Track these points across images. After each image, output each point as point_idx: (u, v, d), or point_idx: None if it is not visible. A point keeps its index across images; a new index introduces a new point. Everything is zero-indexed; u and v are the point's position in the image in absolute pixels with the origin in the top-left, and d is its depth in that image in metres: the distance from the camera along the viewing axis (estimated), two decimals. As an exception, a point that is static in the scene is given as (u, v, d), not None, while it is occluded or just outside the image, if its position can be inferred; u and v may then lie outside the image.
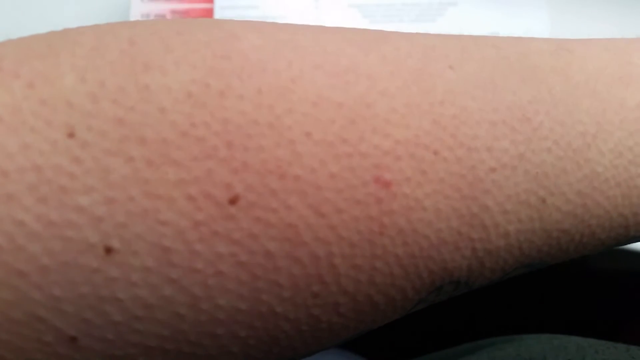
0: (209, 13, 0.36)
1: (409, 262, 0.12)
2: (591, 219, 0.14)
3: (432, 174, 0.12)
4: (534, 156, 0.13)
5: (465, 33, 0.16)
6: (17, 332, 0.10)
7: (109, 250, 0.10)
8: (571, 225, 0.14)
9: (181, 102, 0.11)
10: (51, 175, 0.10)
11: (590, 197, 0.14)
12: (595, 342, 0.18)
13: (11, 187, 0.10)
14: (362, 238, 0.12)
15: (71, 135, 0.10)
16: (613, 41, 0.16)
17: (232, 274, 0.11)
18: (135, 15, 0.35)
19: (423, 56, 0.14)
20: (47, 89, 0.11)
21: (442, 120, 0.13)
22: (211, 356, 0.12)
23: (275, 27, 0.13)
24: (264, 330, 0.12)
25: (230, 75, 0.11)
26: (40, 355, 0.10)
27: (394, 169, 0.12)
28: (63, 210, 0.10)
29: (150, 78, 0.11)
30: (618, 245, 0.16)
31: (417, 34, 0.15)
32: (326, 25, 0.14)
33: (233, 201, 0.11)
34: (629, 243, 0.16)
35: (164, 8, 0.36)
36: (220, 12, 0.36)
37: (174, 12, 0.36)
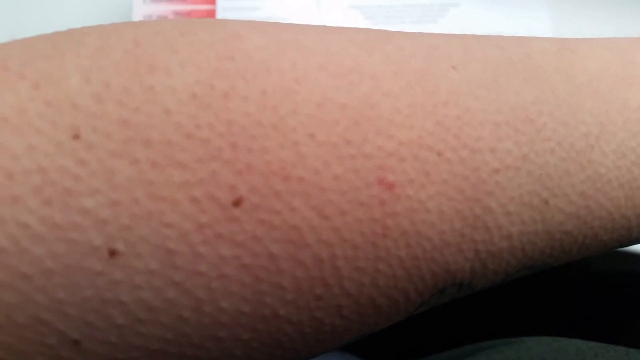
0: (211, 14, 0.36)
1: (411, 264, 0.12)
2: (594, 221, 0.14)
3: (436, 176, 0.12)
4: (537, 157, 0.13)
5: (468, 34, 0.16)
6: (20, 335, 0.10)
7: (113, 252, 0.10)
8: (574, 226, 0.14)
9: (186, 104, 0.11)
10: (56, 177, 0.10)
11: (593, 198, 0.14)
12: (595, 345, 0.18)
13: (16, 189, 0.10)
14: (365, 240, 0.12)
15: (76, 136, 0.10)
16: (616, 41, 0.16)
17: (235, 276, 0.11)
18: (137, 16, 0.35)
19: (426, 56, 0.13)
20: (52, 90, 0.11)
21: (446, 121, 0.13)
22: (214, 359, 0.12)
23: (278, 27, 0.13)
24: (267, 332, 0.12)
25: (234, 76, 0.11)
26: (43, 358, 0.10)
27: (397, 171, 0.12)
28: (67, 213, 0.10)
29: (155, 79, 0.11)
30: (620, 247, 0.16)
31: (420, 33, 0.15)
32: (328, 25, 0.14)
33: (237, 203, 0.11)
34: (632, 245, 0.16)
35: (166, 9, 0.36)
36: (223, 13, 0.36)
37: (176, 13, 0.36)
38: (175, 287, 0.11)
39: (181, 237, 0.11)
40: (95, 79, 0.11)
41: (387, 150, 0.12)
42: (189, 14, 0.36)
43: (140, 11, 0.35)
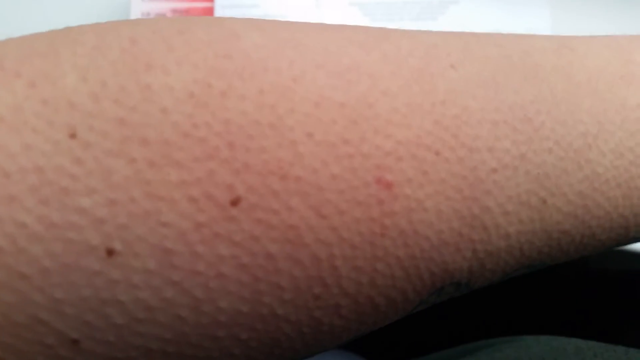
0: (209, 11, 0.36)
1: (410, 264, 0.12)
2: (592, 220, 0.14)
3: (434, 175, 0.12)
4: (535, 157, 0.13)
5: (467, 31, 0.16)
6: (18, 335, 0.10)
7: (110, 252, 0.10)
8: (572, 226, 0.14)
9: (183, 103, 0.11)
10: (53, 177, 0.10)
11: (591, 198, 0.14)
12: (594, 345, 0.18)
13: (13, 188, 0.10)
14: (364, 239, 0.12)
15: (73, 135, 0.10)
16: (614, 39, 0.16)
17: (233, 276, 0.11)
18: (135, 14, 0.35)
19: (425, 55, 0.13)
20: (48, 89, 0.11)
21: (444, 120, 0.13)
22: (212, 358, 0.12)
23: (276, 25, 0.13)
24: (265, 332, 0.12)
25: (232, 75, 0.11)
26: (41, 358, 0.10)
27: (395, 170, 0.12)
28: (65, 212, 0.10)
29: (152, 78, 0.11)
30: (618, 246, 0.16)
31: (419, 31, 0.15)
32: (327, 23, 0.14)
33: (235, 202, 0.11)
34: (630, 244, 0.16)
35: (165, 7, 0.36)
36: (221, 10, 0.36)
37: (174, 10, 0.36)
38: (173, 287, 0.11)
39: (179, 236, 0.11)
40: (91, 78, 0.11)
41: (385, 150, 0.12)
42: (187, 11, 0.36)
43: (138, 9, 0.35)
